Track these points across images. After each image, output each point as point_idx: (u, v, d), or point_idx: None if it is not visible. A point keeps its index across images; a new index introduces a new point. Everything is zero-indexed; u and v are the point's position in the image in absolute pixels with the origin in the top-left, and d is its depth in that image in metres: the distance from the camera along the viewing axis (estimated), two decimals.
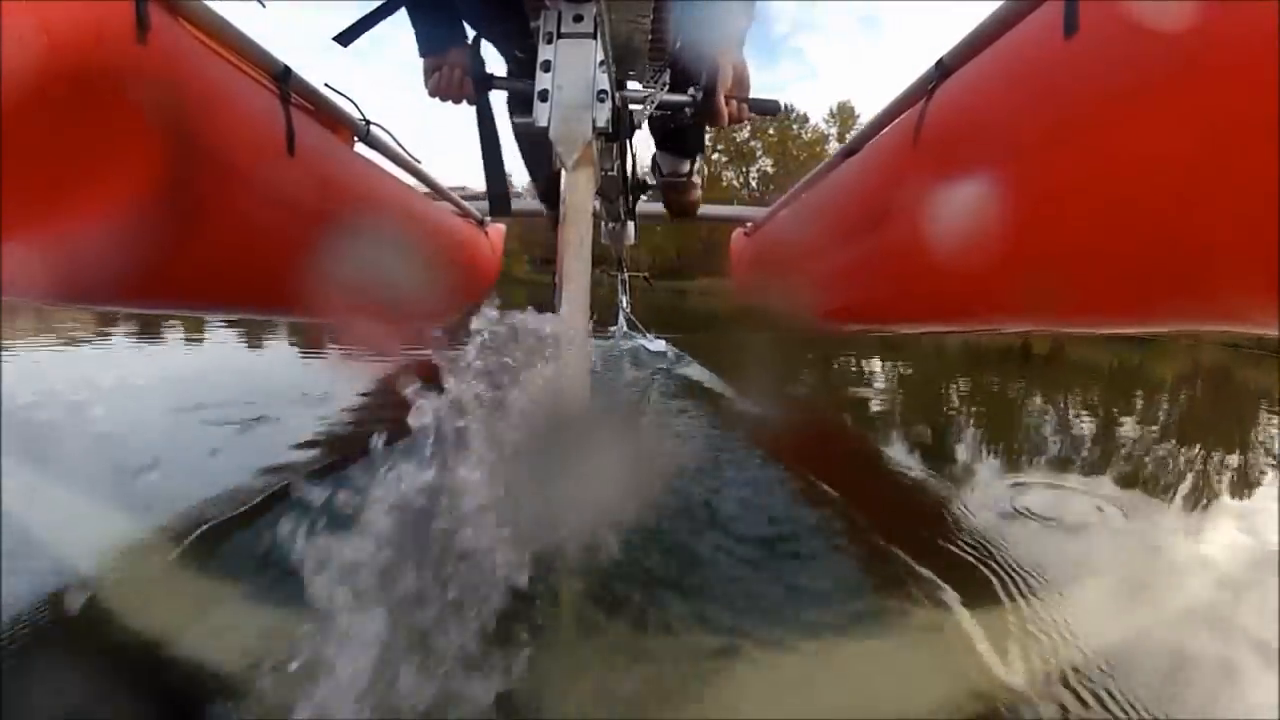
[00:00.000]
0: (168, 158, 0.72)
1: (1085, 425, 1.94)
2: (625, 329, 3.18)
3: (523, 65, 1.03)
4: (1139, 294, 0.66)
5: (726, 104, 1.03)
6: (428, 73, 1.06)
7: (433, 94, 1.06)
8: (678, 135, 1.52)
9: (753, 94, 1.08)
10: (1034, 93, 0.67)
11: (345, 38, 1.06)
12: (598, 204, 1.68)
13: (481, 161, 0.98)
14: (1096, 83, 0.58)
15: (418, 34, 1.05)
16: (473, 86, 1.00)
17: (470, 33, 1.06)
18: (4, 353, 2.16)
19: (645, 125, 1.47)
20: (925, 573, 0.79)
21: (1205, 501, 1.23)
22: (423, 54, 1.06)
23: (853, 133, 1.22)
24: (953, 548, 0.89)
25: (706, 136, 1.48)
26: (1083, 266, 0.68)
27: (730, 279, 2.39)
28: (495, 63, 1.08)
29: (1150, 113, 0.54)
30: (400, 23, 1.06)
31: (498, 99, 1.00)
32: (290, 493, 1.00)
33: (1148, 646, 0.68)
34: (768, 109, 1.06)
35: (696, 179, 1.61)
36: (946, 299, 0.97)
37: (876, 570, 0.80)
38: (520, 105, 1.05)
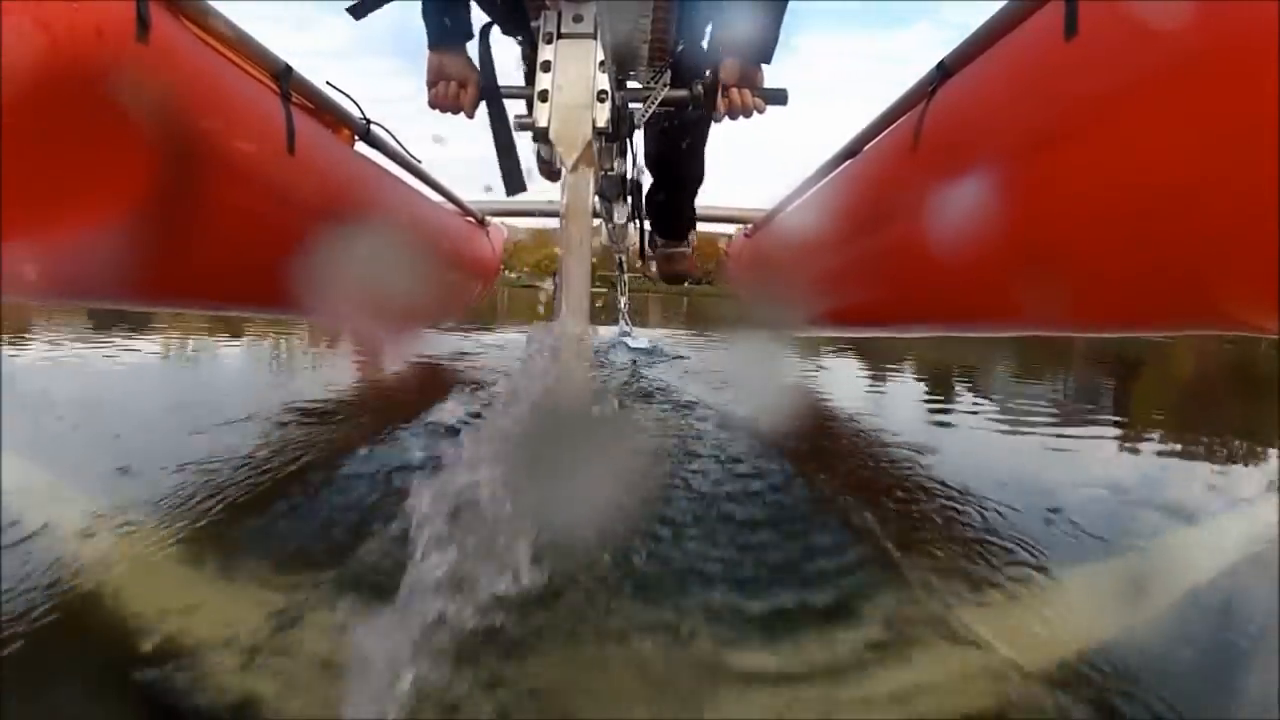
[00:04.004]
0: (169, 156, 0.72)
1: None
2: (625, 328, 3.19)
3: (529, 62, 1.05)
4: (1140, 295, 0.66)
5: (728, 94, 1.03)
6: (430, 83, 1.06)
7: (432, 105, 1.07)
8: (672, 218, 1.65)
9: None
10: (1034, 94, 0.67)
11: (358, 10, 1.04)
12: (598, 204, 1.69)
13: (494, 145, 0.99)
14: (1097, 84, 0.58)
15: (428, 23, 1.05)
16: (477, 95, 1.01)
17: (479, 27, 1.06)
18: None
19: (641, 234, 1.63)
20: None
21: None
22: (431, 45, 1.06)
23: (853, 134, 1.22)
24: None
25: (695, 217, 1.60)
26: (1084, 268, 0.68)
27: (729, 280, 2.40)
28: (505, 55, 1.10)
29: (1150, 114, 0.54)
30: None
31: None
32: (292, 485, 1.01)
33: None
34: (775, 99, 1.06)
35: (688, 250, 1.75)
36: (948, 300, 0.97)
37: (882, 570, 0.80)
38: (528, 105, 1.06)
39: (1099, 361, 3.60)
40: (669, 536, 0.80)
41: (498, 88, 0.99)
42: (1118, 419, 2.12)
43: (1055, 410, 2.15)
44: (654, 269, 1.92)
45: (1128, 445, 1.70)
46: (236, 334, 2.94)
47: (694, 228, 1.81)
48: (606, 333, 2.96)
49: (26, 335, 2.66)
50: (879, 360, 3.07)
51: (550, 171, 1.59)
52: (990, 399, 2.29)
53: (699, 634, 0.61)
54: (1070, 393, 2.76)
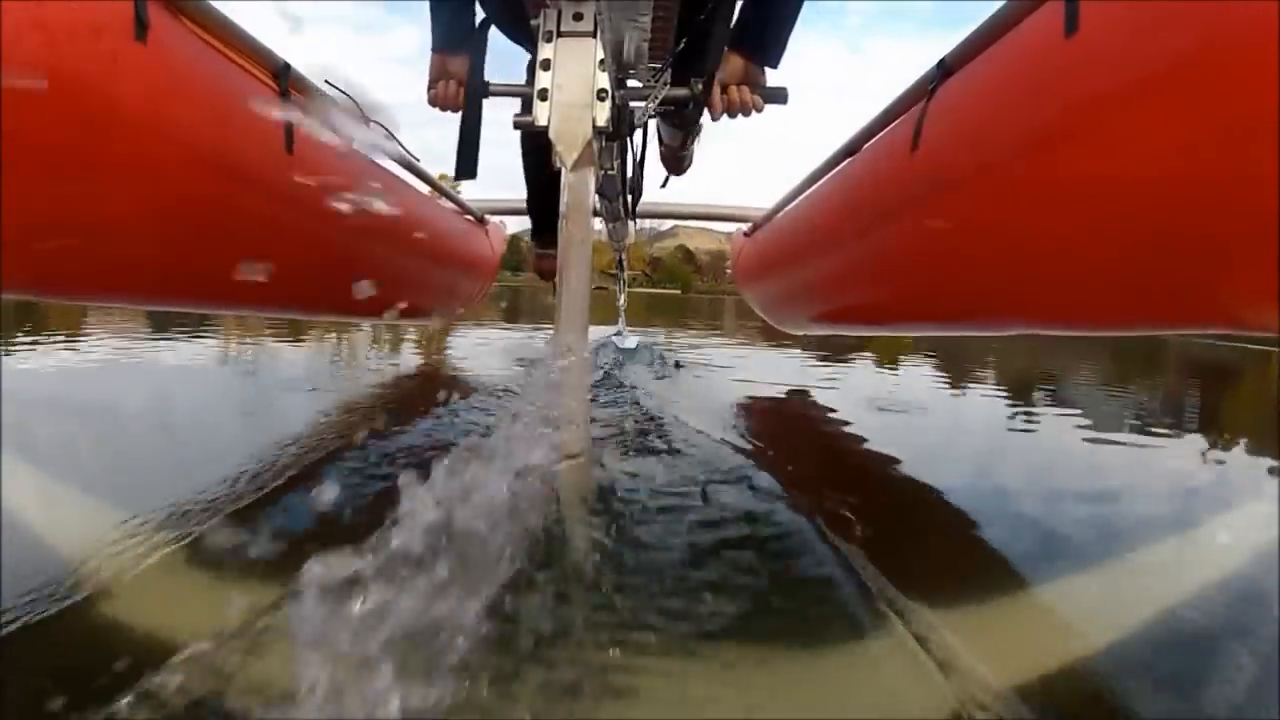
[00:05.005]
0: (167, 156, 0.72)
1: None
2: (621, 328, 3.20)
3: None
4: (1139, 295, 0.66)
5: (726, 92, 1.02)
6: (431, 82, 1.07)
7: (432, 104, 1.08)
8: (680, 121, 1.62)
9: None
10: (1034, 92, 0.67)
11: None
12: (597, 203, 1.69)
13: (459, 129, 0.99)
14: (1097, 82, 0.58)
15: (434, 27, 1.06)
16: (468, 91, 1.01)
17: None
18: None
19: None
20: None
21: None
22: (434, 48, 1.07)
23: (853, 132, 1.22)
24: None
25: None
26: (1083, 267, 0.68)
27: (731, 279, 2.40)
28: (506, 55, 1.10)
29: (1150, 112, 0.53)
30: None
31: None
32: (293, 484, 1.01)
33: None
34: (775, 98, 1.06)
35: (691, 145, 1.81)
36: (947, 299, 0.97)
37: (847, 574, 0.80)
38: (523, 105, 1.06)
39: (1192, 372, 3.47)
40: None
41: (484, 82, 0.99)
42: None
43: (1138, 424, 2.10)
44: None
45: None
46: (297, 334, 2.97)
47: (698, 122, 1.85)
48: (599, 332, 2.97)
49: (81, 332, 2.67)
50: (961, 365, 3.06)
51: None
52: (1071, 410, 2.25)
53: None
54: (1156, 405, 2.69)
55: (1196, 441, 1.96)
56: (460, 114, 1.07)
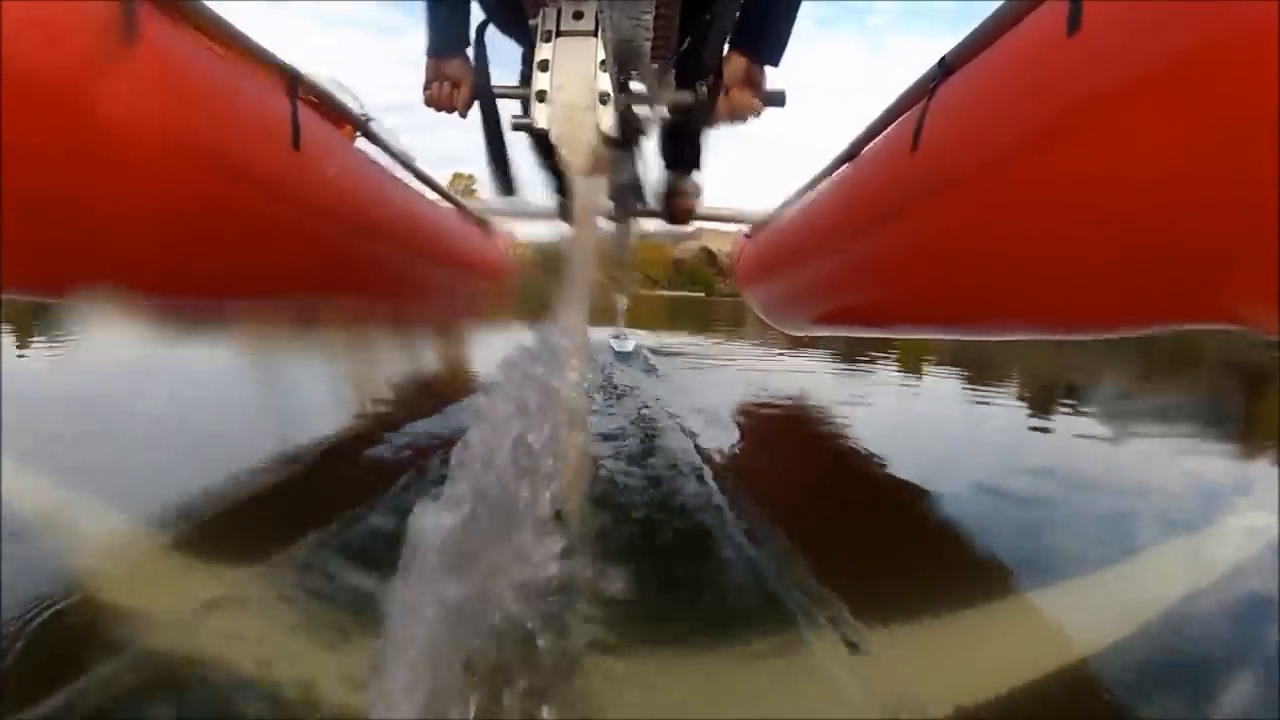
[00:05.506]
0: (170, 156, 0.72)
1: None
2: (619, 329, 3.21)
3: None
4: (1141, 296, 0.66)
5: (729, 94, 1.02)
6: (426, 83, 1.07)
7: (428, 104, 1.07)
8: (679, 153, 1.69)
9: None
10: (1036, 91, 0.67)
11: None
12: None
13: (485, 145, 0.98)
14: (1099, 81, 0.58)
15: (430, 31, 1.06)
16: (470, 95, 1.01)
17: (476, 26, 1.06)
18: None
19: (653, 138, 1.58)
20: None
21: None
22: (429, 53, 1.06)
23: (855, 133, 1.21)
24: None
25: (704, 152, 1.72)
26: (1085, 268, 0.67)
27: (733, 281, 2.40)
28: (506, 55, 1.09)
29: (1153, 112, 0.53)
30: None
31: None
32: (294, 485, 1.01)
33: None
34: (774, 101, 1.05)
35: (693, 189, 1.80)
36: (948, 301, 0.96)
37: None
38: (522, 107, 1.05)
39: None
40: None
41: (491, 88, 0.98)
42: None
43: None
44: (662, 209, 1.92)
45: None
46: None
47: (699, 166, 1.81)
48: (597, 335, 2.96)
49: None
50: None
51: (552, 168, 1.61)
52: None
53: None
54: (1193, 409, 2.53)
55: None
56: (461, 117, 1.07)
